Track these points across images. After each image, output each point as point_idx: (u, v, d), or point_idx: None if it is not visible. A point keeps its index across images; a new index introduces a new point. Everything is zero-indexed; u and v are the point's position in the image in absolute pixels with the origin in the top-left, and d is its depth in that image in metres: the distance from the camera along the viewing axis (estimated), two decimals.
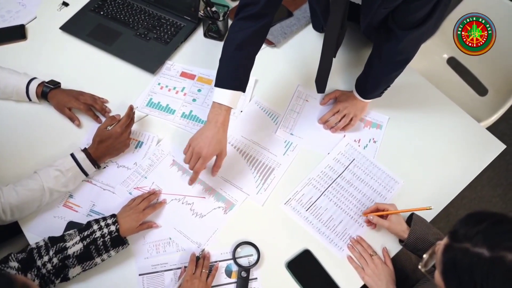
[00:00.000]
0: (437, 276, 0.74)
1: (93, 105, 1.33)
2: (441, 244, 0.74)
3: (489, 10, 1.32)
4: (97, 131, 1.20)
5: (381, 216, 1.16)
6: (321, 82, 1.31)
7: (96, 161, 1.19)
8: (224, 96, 1.14)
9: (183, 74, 1.45)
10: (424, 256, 0.79)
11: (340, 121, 1.34)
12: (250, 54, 1.17)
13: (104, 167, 1.25)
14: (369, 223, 1.20)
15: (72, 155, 1.16)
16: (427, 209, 1.13)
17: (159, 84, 1.42)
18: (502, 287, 0.65)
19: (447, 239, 0.73)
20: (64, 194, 1.19)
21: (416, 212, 1.17)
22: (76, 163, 1.15)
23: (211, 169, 1.21)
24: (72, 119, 1.31)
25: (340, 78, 1.46)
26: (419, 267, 0.80)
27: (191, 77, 1.44)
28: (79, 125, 1.32)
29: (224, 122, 1.14)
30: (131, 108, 1.22)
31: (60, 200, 1.19)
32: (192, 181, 1.19)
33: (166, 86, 1.42)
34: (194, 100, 1.40)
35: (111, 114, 1.34)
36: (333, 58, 1.25)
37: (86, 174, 1.18)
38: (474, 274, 0.67)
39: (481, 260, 0.66)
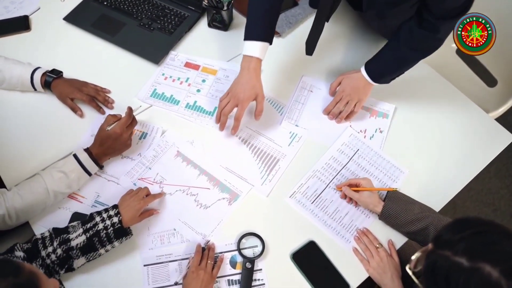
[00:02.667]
0: (423, 282, 0.74)
1: (95, 97, 1.32)
2: (428, 248, 0.73)
3: (489, 10, 1.31)
4: (98, 130, 1.18)
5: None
6: (310, 44, 1.33)
7: (97, 161, 1.17)
8: (254, 48, 1.19)
9: (187, 65, 1.44)
10: (412, 257, 0.78)
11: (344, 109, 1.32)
12: (275, 8, 1.23)
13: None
14: (344, 196, 1.22)
15: (75, 156, 1.15)
16: (392, 189, 1.17)
17: (163, 74, 1.41)
18: None
19: (431, 244, 0.73)
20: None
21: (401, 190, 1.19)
22: (79, 164, 1.14)
23: (211, 160, 1.21)
24: (74, 109, 1.31)
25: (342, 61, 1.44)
26: (406, 268, 0.79)
27: (196, 67, 1.43)
28: (81, 115, 1.31)
29: (256, 68, 1.21)
30: (130, 109, 1.20)
31: None
32: (235, 129, 1.25)
33: (170, 77, 1.41)
34: (198, 90, 1.39)
35: (113, 110, 1.33)
36: (326, 23, 1.30)
37: (89, 174, 1.17)
38: (450, 282, 0.67)
39: (459, 270, 0.66)
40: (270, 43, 1.23)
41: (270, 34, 1.22)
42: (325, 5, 1.22)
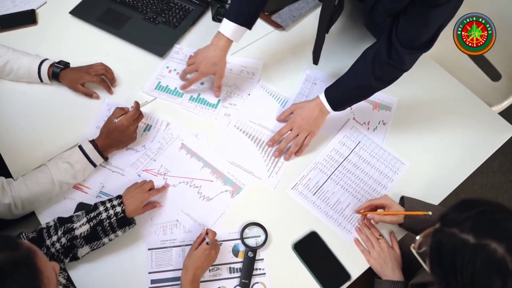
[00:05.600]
0: (427, 262, 0.75)
1: (104, 74, 1.34)
2: (433, 228, 0.74)
3: (489, 10, 1.31)
4: (105, 122, 1.20)
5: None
6: (315, 54, 1.37)
7: (102, 152, 1.19)
8: (228, 27, 1.22)
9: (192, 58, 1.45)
10: (417, 238, 0.79)
11: (294, 139, 1.25)
12: None
13: None
14: (364, 220, 1.17)
15: (80, 147, 1.16)
16: (425, 214, 1.05)
17: (167, 67, 1.43)
18: (480, 274, 0.65)
19: (438, 222, 0.73)
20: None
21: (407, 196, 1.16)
22: (84, 155, 1.16)
23: (215, 153, 1.22)
24: (89, 94, 1.33)
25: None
26: (411, 247, 0.80)
27: None
28: (97, 97, 1.34)
29: (223, 47, 1.25)
30: (137, 103, 1.21)
31: None
32: (184, 87, 1.35)
33: (175, 70, 1.42)
34: (202, 83, 1.40)
35: (118, 102, 1.34)
36: (326, 34, 1.33)
37: (94, 165, 1.18)
38: (456, 259, 0.67)
39: (465, 246, 0.67)
40: (249, 28, 1.25)
41: (250, 20, 1.24)
42: (324, 16, 1.25)
